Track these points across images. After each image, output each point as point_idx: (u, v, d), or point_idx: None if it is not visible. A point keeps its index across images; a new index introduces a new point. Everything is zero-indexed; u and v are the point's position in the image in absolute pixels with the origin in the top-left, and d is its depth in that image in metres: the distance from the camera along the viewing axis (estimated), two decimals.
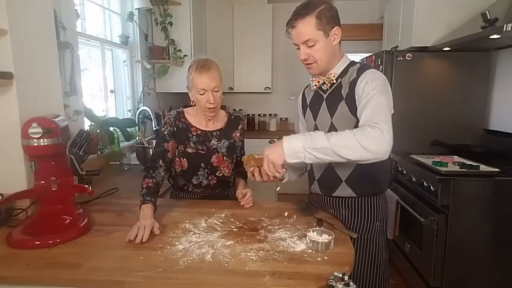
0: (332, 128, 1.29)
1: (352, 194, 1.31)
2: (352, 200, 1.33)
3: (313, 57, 1.26)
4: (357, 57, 3.66)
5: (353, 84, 1.24)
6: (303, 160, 1.10)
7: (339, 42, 1.29)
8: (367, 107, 1.16)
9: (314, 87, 1.37)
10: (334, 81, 1.31)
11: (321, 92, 1.37)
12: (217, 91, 1.49)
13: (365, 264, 1.31)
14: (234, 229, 1.25)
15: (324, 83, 1.33)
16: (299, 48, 1.27)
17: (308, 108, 1.43)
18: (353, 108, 1.23)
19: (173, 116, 1.57)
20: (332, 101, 1.31)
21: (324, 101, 1.34)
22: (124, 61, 2.89)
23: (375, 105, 1.16)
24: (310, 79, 1.37)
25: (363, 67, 1.28)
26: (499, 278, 2.01)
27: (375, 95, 1.17)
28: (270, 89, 4.12)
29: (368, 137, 1.07)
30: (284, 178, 1.36)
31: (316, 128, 1.38)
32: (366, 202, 1.32)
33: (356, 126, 1.22)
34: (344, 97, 1.26)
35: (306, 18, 1.21)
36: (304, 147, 1.09)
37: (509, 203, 1.95)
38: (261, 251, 1.08)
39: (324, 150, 1.08)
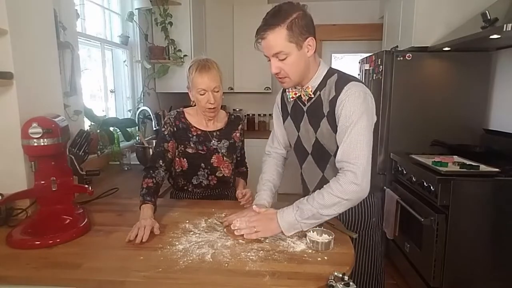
0: (317, 143, 1.28)
1: None
2: None
3: (284, 71, 1.17)
4: (357, 57, 3.65)
5: (333, 102, 1.18)
6: (301, 229, 1.14)
7: (314, 52, 1.20)
8: (343, 141, 1.14)
9: (291, 99, 1.30)
10: (312, 95, 1.25)
11: (300, 103, 1.30)
12: (217, 92, 1.49)
13: (364, 258, 1.34)
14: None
15: (301, 96, 1.27)
16: (269, 60, 1.19)
17: (289, 117, 1.38)
18: (334, 127, 1.20)
19: (173, 116, 1.57)
20: (314, 116, 1.26)
21: (305, 114, 1.29)
22: (124, 61, 2.89)
23: (352, 139, 1.13)
24: (287, 90, 1.30)
25: (340, 79, 1.21)
26: (499, 278, 2.01)
27: (352, 123, 1.13)
28: (270, 89, 4.12)
29: (345, 189, 1.10)
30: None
31: (299, 140, 1.35)
32: (362, 201, 1.29)
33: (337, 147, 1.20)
34: (325, 114, 1.22)
35: (276, 29, 1.11)
36: (297, 219, 1.12)
37: (509, 203, 1.95)
38: (261, 251, 1.08)
39: (314, 217, 1.12)
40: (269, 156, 1.52)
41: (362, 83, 1.22)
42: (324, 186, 1.15)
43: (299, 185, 1.48)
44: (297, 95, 1.28)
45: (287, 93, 1.31)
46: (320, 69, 1.25)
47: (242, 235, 1.15)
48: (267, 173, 1.47)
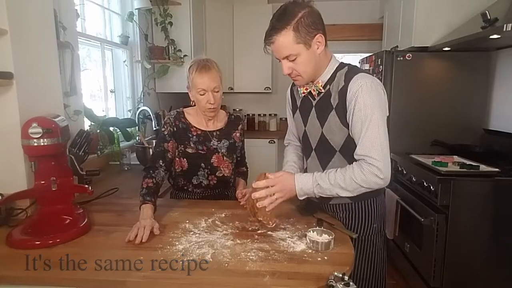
0: (323, 138, 1.27)
1: (348, 200, 1.30)
2: (349, 204, 1.32)
3: (296, 70, 1.19)
4: (357, 57, 3.66)
5: (342, 92, 1.18)
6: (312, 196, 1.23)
7: (325, 47, 1.20)
8: (361, 136, 1.15)
9: (302, 94, 1.31)
10: (322, 90, 1.25)
11: (310, 98, 1.31)
12: (217, 92, 1.49)
13: (363, 264, 1.31)
14: (234, 229, 1.25)
15: (312, 91, 1.28)
16: (280, 61, 1.20)
17: (298, 110, 1.39)
18: (344, 119, 1.19)
19: (173, 116, 1.57)
20: (322, 110, 1.26)
21: (314, 108, 1.29)
22: (124, 61, 2.89)
23: (370, 134, 1.14)
24: (298, 86, 1.32)
25: (350, 71, 1.21)
26: (499, 278, 2.01)
27: (368, 118, 1.13)
28: (270, 89, 4.11)
29: (368, 180, 1.14)
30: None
31: (305, 135, 1.36)
32: (363, 205, 1.31)
33: (347, 137, 1.21)
34: (334, 106, 1.21)
35: (283, 32, 1.12)
36: (314, 192, 1.19)
37: (509, 203, 1.95)
38: (261, 251, 1.08)
39: (331, 194, 1.19)
40: (289, 145, 1.59)
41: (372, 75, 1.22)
42: (347, 167, 1.18)
43: None
44: (308, 90, 1.29)
45: (299, 89, 1.32)
46: (331, 63, 1.26)
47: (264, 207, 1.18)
48: (287, 156, 1.53)
